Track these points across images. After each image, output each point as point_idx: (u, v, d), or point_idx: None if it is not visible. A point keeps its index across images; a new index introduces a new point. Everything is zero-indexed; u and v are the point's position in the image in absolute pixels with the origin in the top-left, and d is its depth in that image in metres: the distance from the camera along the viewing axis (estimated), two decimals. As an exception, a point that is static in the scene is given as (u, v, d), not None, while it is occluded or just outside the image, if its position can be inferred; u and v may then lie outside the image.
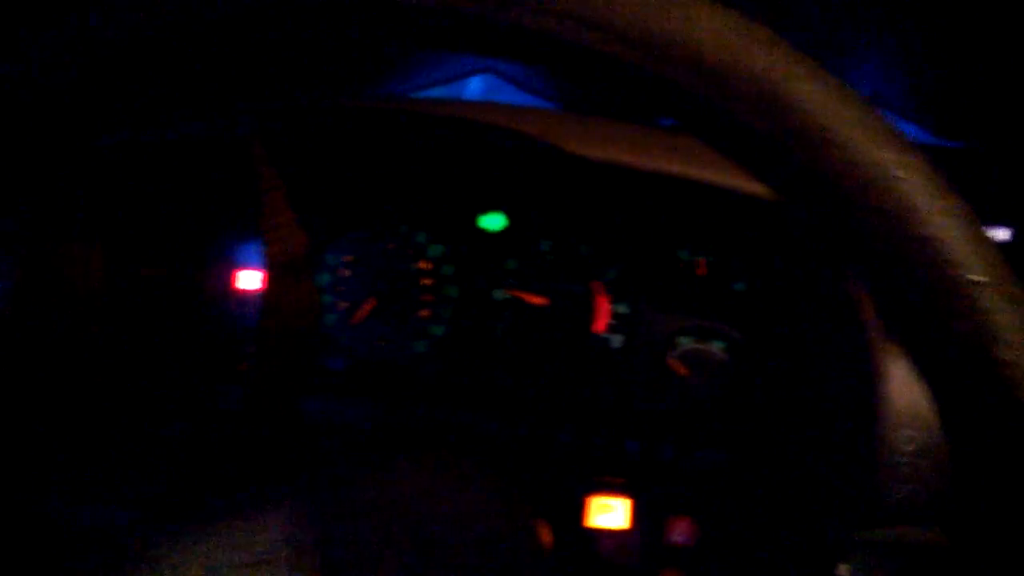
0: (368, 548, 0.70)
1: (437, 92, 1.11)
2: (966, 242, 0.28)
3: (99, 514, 0.87)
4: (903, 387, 0.69)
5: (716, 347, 0.88)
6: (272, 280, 0.86)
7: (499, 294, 0.90)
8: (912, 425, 0.69)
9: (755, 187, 0.66)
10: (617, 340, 0.89)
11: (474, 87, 1.24)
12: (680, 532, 0.87)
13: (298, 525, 0.74)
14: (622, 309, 0.89)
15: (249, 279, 0.92)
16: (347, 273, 0.91)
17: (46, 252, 0.77)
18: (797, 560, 0.86)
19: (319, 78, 1.01)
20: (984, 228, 0.30)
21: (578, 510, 0.86)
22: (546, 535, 0.73)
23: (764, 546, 0.86)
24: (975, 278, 0.27)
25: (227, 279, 0.91)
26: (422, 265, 0.90)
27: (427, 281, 0.90)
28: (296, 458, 0.86)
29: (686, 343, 0.88)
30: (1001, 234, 0.89)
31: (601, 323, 0.89)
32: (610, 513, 0.86)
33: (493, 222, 0.90)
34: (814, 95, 0.27)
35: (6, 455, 0.82)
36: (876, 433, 0.68)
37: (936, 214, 0.28)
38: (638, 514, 0.86)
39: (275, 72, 0.92)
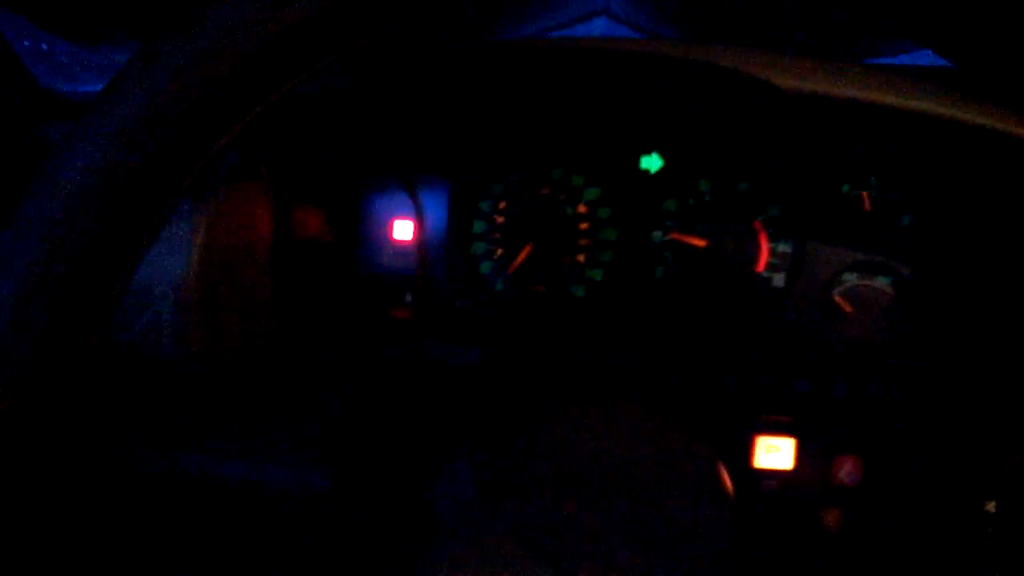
0: (556, 496, 0.71)
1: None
2: None
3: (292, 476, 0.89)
4: None
5: (882, 283, 0.87)
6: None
7: (658, 236, 0.89)
8: None
9: (927, 104, 0.63)
10: (780, 279, 0.88)
11: (592, 29, 1.21)
12: (847, 471, 0.86)
13: (478, 474, 0.75)
14: (784, 248, 0.87)
15: (404, 229, 0.91)
16: (502, 220, 0.90)
17: (229, 201, 0.77)
18: (952, 498, 0.86)
19: (440, 24, 1.00)
20: None
21: (745, 451, 0.85)
22: (728, 479, 0.73)
23: (925, 486, 0.86)
24: None
25: (384, 229, 0.91)
26: (579, 209, 0.89)
27: (584, 225, 0.89)
28: (466, 409, 0.87)
29: (851, 280, 0.87)
30: None
31: (763, 262, 0.88)
32: (776, 453, 0.86)
33: (651, 163, 0.88)
34: None
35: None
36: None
37: None
38: (804, 454, 0.85)
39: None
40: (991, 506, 0.88)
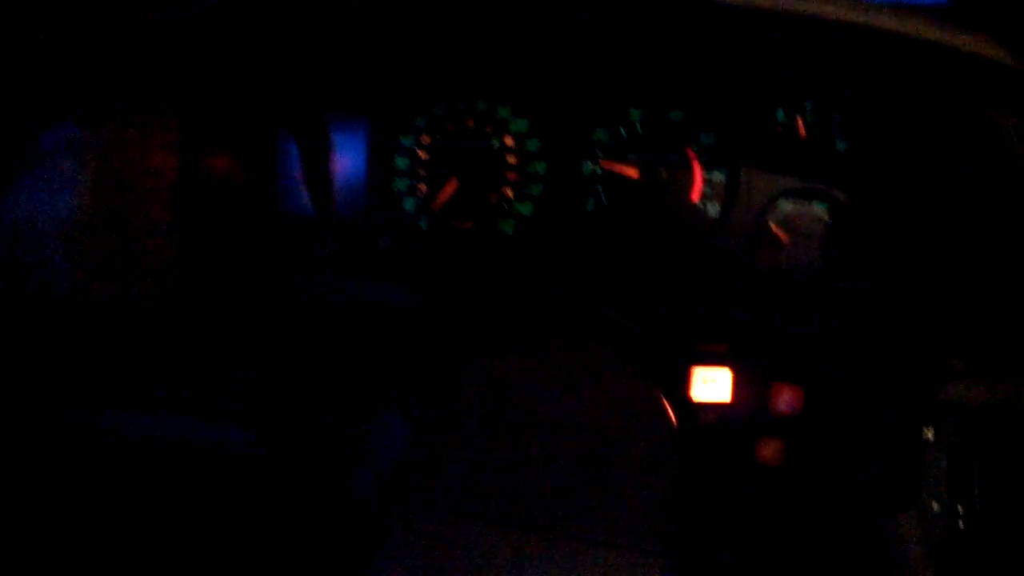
0: (497, 434, 0.67)
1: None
2: None
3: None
4: None
5: (818, 210, 0.84)
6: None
7: (588, 168, 0.85)
8: None
9: (860, 16, 0.60)
10: (714, 208, 0.85)
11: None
12: (785, 401, 0.84)
13: (418, 415, 0.71)
14: (718, 176, 0.85)
15: (322, 167, 0.86)
16: (425, 155, 0.86)
17: (125, 137, 0.71)
18: (891, 426, 0.85)
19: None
20: None
21: (682, 383, 0.83)
22: (672, 413, 0.70)
23: (864, 414, 0.84)
24: None
25: (300, 168, 0.86)
26: (506, 141, 0.85)
27: (511, 158, 0.85)
28: (398, 347, 0.83)
29: (787, 207, 0.84)
30: None
31: (697, 192, 0.85)
32: (713, 385, 0.84)
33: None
34: None
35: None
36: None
37: None
38: (741, 384, 0.83)
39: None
40: (929, 433, 0.87)
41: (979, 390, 0.84)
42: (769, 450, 0.86)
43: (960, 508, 0.86)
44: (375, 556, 0.64)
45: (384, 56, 0.82)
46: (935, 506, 0.86)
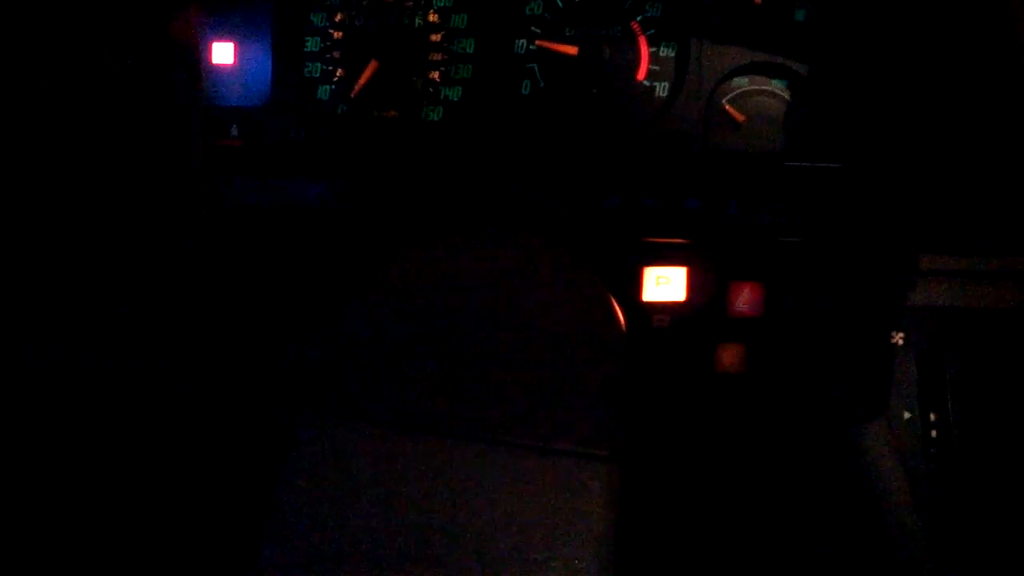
0: (427, 334, 0.60)
1: None
2: None
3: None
4: None
5: (776, 86, 0.77)
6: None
7: (522, 45, 0.77)
8: None
9: None
10: (663, 87, 0.77)
11: None
12: (745, 300, 0.77)
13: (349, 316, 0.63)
14: (666, 52, 0.77)
15: (224, 52, 0.76)
16: (339, 35, 0.77)
17: None
18: (856, 330, 0.78)
19: None
20: None
21: (633, 283, 0.75)
22: (621, 313, 0.62)
23: (828, 315, 0.78)
24: None
25: (200, 53, 0.76)
26: (430, 18, 0.77)
27: (436, 37, 0.77)
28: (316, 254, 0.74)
29: (742, 84, 0.77)
30: None
31: (643, 70, 0.77)
32: (667, 285, 0.76)
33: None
34: None
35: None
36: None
37: None
38: (696, 283, 0.76)
39: None
40: (898, 337, 0.81)
41: (950, 292, 0.78)
42: (729, 355, 0.79)
43: (932, 416, 0.81)
44: (282, 467, 0.56)
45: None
46: (905, 414, 0.81)
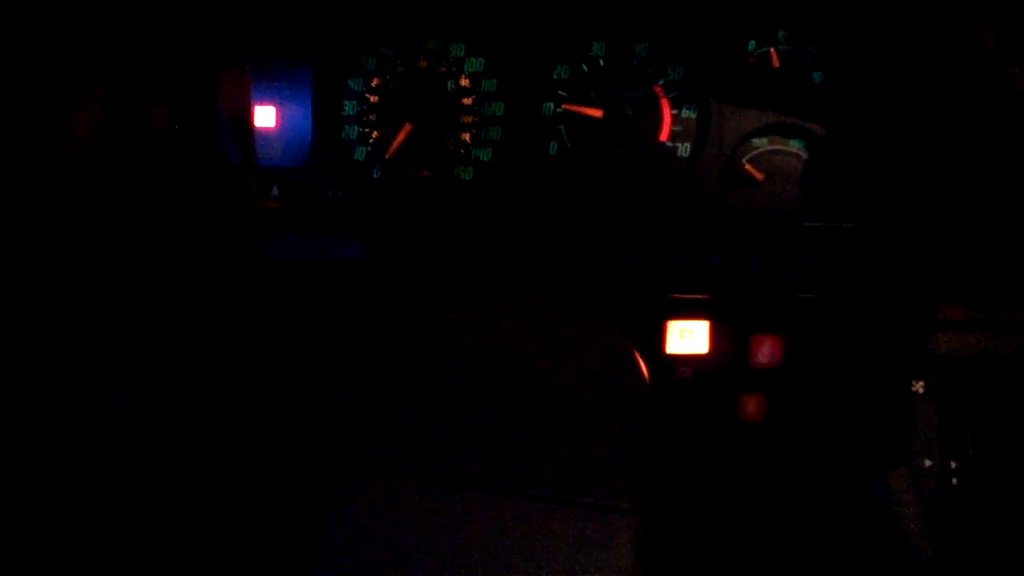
0: (460, 389, 0.62)
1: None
2: None
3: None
4: None
5: (794, 147, 0.79)
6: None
7: (549, 108, 0.80)
8: None
9: None
10: (685, 148, 0.79)
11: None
12: (765, 352, 0.79)
13: (372, 384, 0.66)
14: (688, 113, 0.79)
15: (265, 115, 0.80)
16: (375, 99, 0.80)
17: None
18: (877, 379, 0.80)
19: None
20: None
21: (657, 336, 0.78)
22: (645, 367, 0.65)
23: (848, 366, 0.79)
24: None
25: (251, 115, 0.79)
26: (461, 82, 0.80)
27: (467, 100, 0.80)
28: (352, 309, 0.77)
29: (761, 145, 0.79)
30: None
31: (666, 131, 0.79)
32: (689, 338, 0.78)
33: None
34: None
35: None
36: (1017, 196, 0.60)
37: None
38: (718, 335, 0.78)
39: None
40: (919, 386, 0.82)
41: (970, 340, 0.79)
42: (751, 405, 0.81)
43: (952, 463, 0.82)
44: (329, 517, 0.59)
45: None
46: (926, 462, 0.82)
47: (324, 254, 0.78)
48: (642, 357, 0.67)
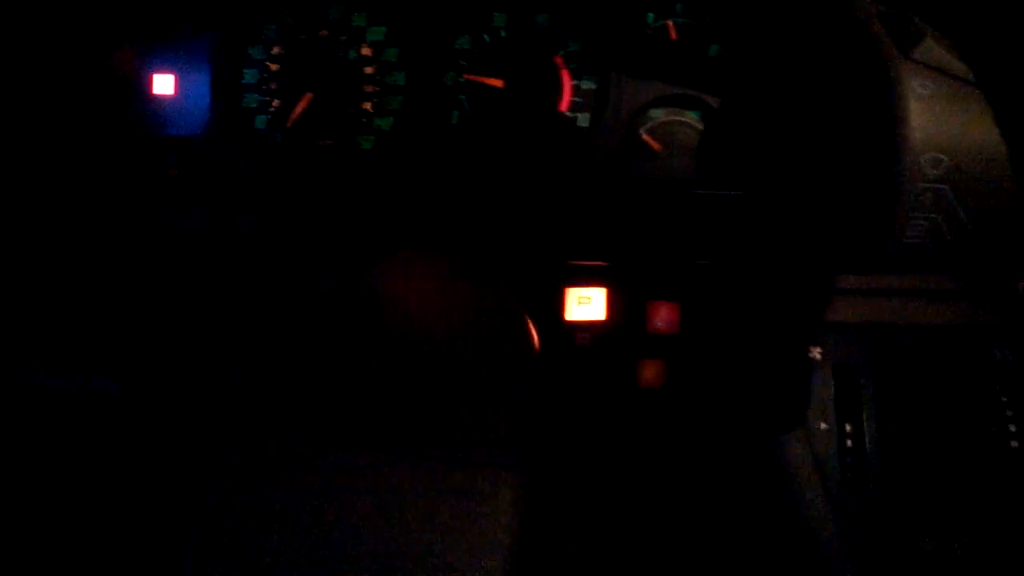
0: (346, 349, 0.63)
1: None
2: None
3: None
4: (927, 112, 0.62)
5: (691, 118, 0.81)
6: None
7: (451, 78, 0.80)
8: (939, 146, 0.62)
9: None
10: (584, 118, 0.81)
11: None
12: (662, 318, 0.81)
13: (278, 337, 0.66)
14: (588, 84, 0.81)
15: (164, 83, 0.80)
16: (276, 67, 0.80)
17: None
18: (775, 347, 0.82)
19: None
20: None
21: (556, 303, 0.79)
22: (535, 331, 0.66)
23: (741, 332, 0.82)
24: None
25: (143, 83, 0.79)
26: (362, 51, 0.80)
27: (368, 69, 0.80)
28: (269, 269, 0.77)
29: (659, 115, 0.81)
30: None
31: (566, 101, 0.81)
32: (587, 305, 0.80)
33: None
34: None
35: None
36: (896, 161, 0.62)
37: None
38: (616, 303, 0.79)
39: None
40: (816, 352, 0.84)
41: (866, 308, 0.82)
42: (649, 371, 0.82)
43: (847, 427, 0.84)
44: (209, 481, 0.59)
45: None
46: (823, 425, 0.84)
47: (222, 223, 0.77)
48: (540, 323, 0.68)
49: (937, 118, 0.61)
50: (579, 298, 0.79)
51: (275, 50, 0.79)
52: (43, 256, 0.77)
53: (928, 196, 0.62)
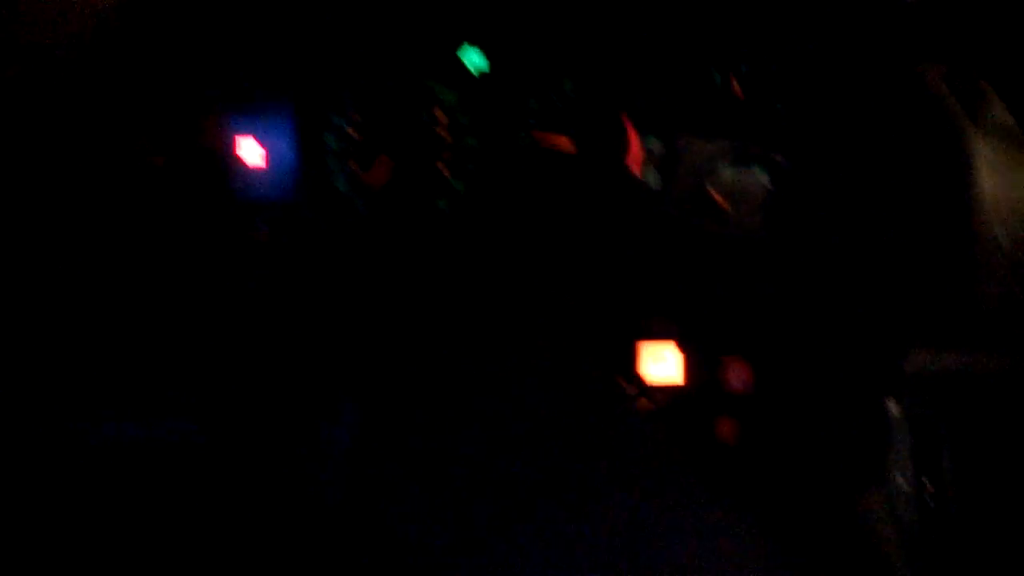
0: (452, 423, 0.65)
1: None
2: None
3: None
4: (997, 175, 0.62)
5: (758, 174, 0.82)
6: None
7: (522, 139, 0.83)
8: (1010, 217, 0.62)
9: None
10: (652, 175, 0.82)
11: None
12: (736, 377, 0.81)
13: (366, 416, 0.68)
14: (654, 142, 0.82)
15: (250, 150, 0.84)
16: (355, 133, 0.84)
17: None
18: (850, 400, 0.82)
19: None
20: None
21: (630, 359, 0.80)
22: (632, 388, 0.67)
23: (817, 389, 0.81)
24: None
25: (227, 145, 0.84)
26: (437, 115, 0.83)
27: (443, 133, 0.83)
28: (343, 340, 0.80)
29: (727, 173, 0.82)
30: None
31: (634, 159, 0.82)
32: (662, 363, 0.80)
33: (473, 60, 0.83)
34: None
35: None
36: (968, 227, 0.62)
37: None
38: (690, 361, 0.80)
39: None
40: (893, 406, 0.83)
41: (944, 360, 0.81)
42: (724, 429, 0.82)
43: (928, 484, 0.83)
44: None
45: (309, 34, 0.80)
46: (902, 482, 0.83)
47: (315, 285, 0.81)
48: (614, 381, 0.69)
49: (1009, 183, 0.61)
50: (653, 355, 0.80)
51: (353, 116, 0.83)
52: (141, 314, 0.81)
53: (1002, 263, 0.61)
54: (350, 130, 0.84)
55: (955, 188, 0.65)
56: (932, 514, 0.81)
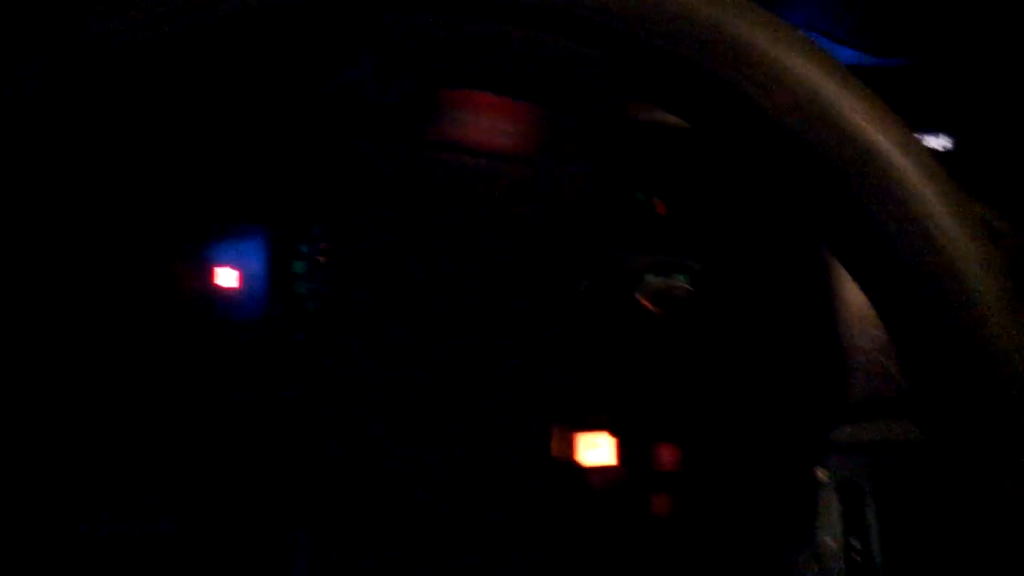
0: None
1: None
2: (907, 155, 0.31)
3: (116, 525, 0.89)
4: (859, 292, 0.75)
5: (680, 281, 0.93)
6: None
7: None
8: (873, 325, 0.75)
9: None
10: (584, 283, 0.93)
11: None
12: (667, 459, 0.92)
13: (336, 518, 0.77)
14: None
15: (227, 276, 0.94)
16: (324, 260, 0.94)
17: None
18: (777, 471, 0.93)
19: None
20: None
21: (569, 448, 0.90)
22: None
23: (746, 462, 0.92)
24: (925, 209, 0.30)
25: (205, 275, 0.93)
26: (394, 240, 0.93)
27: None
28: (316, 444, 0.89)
29: (653, 280, 0.93)
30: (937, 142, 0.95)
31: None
32: (597, 449, 0.91)
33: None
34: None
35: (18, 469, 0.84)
36: (837, 333, 0.74)
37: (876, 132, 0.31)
38: (623, 447, 0.91)
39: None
40: (822, 474, 0.94)
41: (865, 430, 0.91)
42: (659, 504, 0.93)
43: (855, 543, 0.93)
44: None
45: (282, 171, 0.91)
46: (831, 542, 0.93)
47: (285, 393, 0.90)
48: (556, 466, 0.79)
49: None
50: (589, 443, 0.91)
51: (322, 245, 0.93)
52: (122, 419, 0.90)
53: (863, 363, 0.74)
54: (319, 257, 0.94)
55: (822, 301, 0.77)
56: (859, 569, 0.92)
